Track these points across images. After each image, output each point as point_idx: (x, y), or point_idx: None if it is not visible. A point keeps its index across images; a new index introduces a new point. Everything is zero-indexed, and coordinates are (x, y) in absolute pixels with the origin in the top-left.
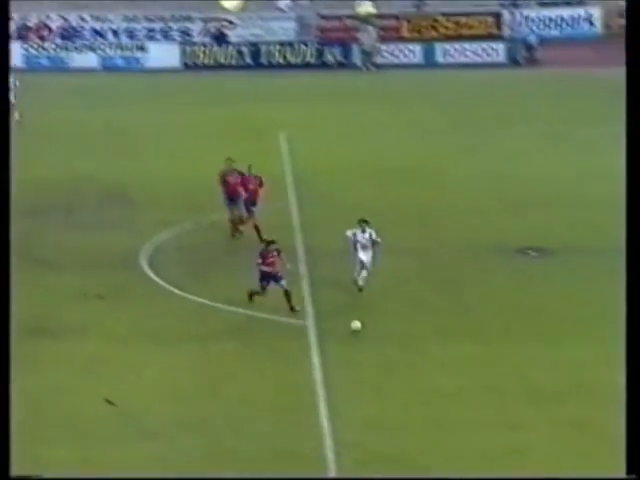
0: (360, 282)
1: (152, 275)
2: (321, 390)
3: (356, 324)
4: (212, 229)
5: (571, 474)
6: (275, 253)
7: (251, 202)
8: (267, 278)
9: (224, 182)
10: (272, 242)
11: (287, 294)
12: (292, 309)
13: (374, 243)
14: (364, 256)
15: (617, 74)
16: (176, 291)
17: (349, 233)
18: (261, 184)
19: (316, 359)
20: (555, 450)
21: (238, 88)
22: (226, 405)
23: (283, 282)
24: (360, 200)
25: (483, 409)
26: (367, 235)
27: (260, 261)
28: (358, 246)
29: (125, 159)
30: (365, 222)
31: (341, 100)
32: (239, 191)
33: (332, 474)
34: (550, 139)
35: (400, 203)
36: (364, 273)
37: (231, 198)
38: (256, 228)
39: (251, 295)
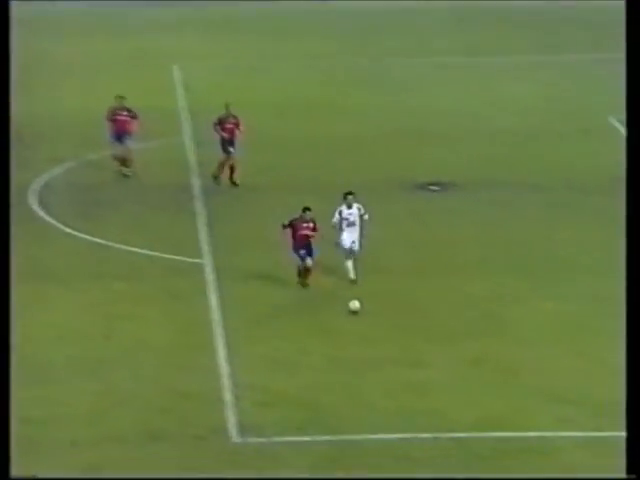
0: (351, 275)
1: (42, 213)
2: (219, 330)
3: (355, 304)
4: (103, 166)
5: (473, 409)
6: (311, 224)
7: (229, 142)
8: (298, 248)
9: (112, 119)
10: (308, 209)
11: (307, 270)
12: (303, 285)
13: (361, 219)
14: (350, 237)
15: (517, 5)
16: (68, 230)
17: (335, 218)
18: (238, 125)
19: (213, 298)
20: (455, 386)
21: (129, 19)
22: (122, 346)
23: (309, 260)
24: (259, 135)
25: (384, 347)
26: (354, 210)
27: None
28: (344, 224)
29: (12, 93)
30: (351, 194)
31: (236, 32)
32: (127, 129)
33: (231, 416)
34: (451, 70)
35: (299, 137)
36: (350, 263)
37: (118, 136)
38: (231, 169)
39: (300, 275)
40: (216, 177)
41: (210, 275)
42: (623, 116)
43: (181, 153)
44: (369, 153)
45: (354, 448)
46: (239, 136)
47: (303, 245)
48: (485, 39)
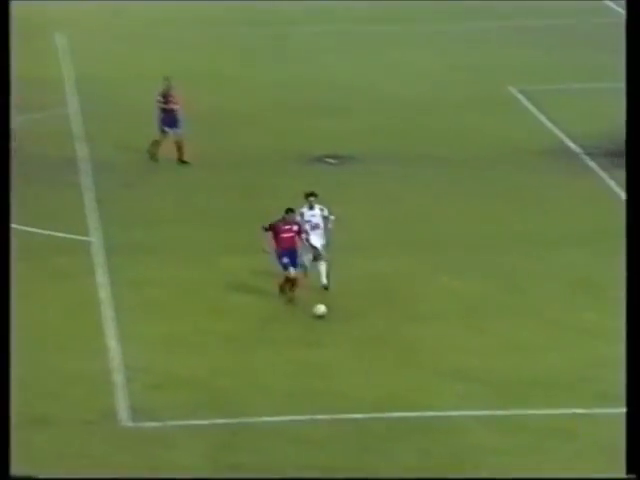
0: (324, 280)
1: None
2: (109, 310)
3: (320, 309)
4: None
5: (372, 389)
6: (295, 226)
7: (172, 120)
8: (281, 255)
9: None
10: (291, 210)
11: (289, 281)
12: (289, 299)
13: (325, 220)
14: (317, 241)
15: None
16: None
17: (298, 217)
18: (179, 99)
19: (103, 277)
20: (354, 365)
21: None
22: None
23: (292, 270)
24: (150, 107)
25: (281, 327)
26: (317, 211)
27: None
28: (307, 227)
29: None
30: (313, 196)
31: None
32: None
33: (122, 399)
34: (351, 39)
35: (192, 110)
36: (323, 267)
37: None
38: (178, 148)
39: (281, 288)
40: (152, 155)
41: (100, 253)
42: (523, 86)
43: (66, 125)
44: (263, 126)
45: (251, 431)
46: (181, 111)
47: (286, 251)
48: (387, 7)
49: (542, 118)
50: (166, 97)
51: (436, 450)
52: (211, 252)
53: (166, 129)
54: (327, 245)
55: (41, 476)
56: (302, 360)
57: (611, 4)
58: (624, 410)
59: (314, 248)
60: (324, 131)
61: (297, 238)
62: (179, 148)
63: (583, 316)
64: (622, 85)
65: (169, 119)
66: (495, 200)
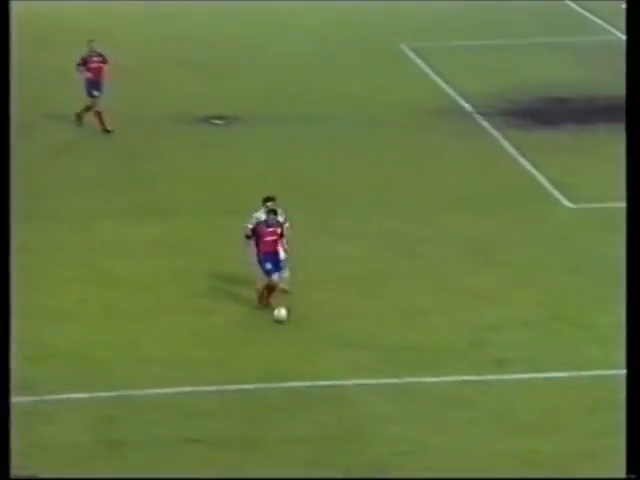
0: (285, 285)
1: None
2: None
3: (281, 313)
4: None
5: (260, 358)
6: (278, 228)
7: (94, 84)
8: (263, 260)
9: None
10: (273, 212)
11: (270, 289)
12: (265, 304)
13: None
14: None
15: None
16: None
17: (250, 224)
18: (104, 62)
19: None
20: (241, 334)
21: None
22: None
23: (276, 276)
24: (37, 64)
25: (165, 295)
26: (275, 218)
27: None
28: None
29: None
30: (270, 200)
31: None
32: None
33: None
34: None
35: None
36: (285, 273)
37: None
38: (98, 116)
39: (261, 296)
40: (79, 117)
41: None
42: (416, 44)
43: None
44: (146, 85)
45: (133, 404)
46: (106, 76)
47: (269, 256)
48: None
49: (435, 77)
50: (86, 61)
51: (328, 420)
52: (91, 218)
53: (95, 93)
54: (287, 253)
55: (42, 476)
56: (187, 329)
57: None
58: (516, 376)
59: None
60: (210, 91)
61: (279, 242)
62: (99, 116)
63: (475, 280)
64: (516, 42)
65: (91, 83)
66: (387, 162)
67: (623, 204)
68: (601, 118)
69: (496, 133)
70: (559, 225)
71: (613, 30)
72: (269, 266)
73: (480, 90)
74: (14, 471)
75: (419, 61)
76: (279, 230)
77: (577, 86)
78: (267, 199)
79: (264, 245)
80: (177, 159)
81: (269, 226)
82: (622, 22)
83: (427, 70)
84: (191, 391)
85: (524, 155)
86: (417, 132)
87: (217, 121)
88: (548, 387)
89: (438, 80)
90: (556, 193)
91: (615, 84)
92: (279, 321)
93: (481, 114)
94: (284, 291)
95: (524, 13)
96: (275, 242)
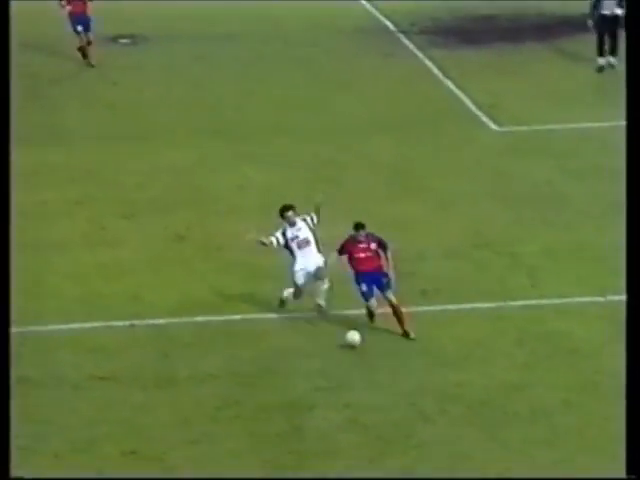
0: (321, 301)
1: None
2: None
3: (354, 337)
4: None
5: (173, 292)
6: (373, 244)
7: (78, 19)
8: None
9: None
10: (361, 226)
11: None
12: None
13: (313, 229)
14: (308, 261)
15: None
16: None
17: (273, 238)
18: None
19: None
20: (153, 266)
21: None
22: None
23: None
24: None
25: (72, 226)
26: (300, 224)
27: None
28: (293, 246)
29: None
30: (289, 210)
31: None
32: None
33: None
34: None
35: None
36: (323, 286)
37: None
38: (82, 50)
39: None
40: (85, 57)
41: None
42: None
43: None
44: (49, 6)
45: (39, 341)
46: (90, 10)
47: (365, 276)
48: None
49: None
50: None
51: (241, 354)
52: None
53: (79, 28)
54: (325, 260)
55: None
56: (93, 262)
57: None
58: (441, 307)
59: (305, 277)
60: (116, 9)
61: (378, 258)
62: (83, 50)
63: (398, 209)
64: None
65: (74, 19)
66: (303, 84)
67: (550, 126)
68: (527, 36)
69: (418, 53)
70: (485, 149)
71: None
72: (364, 288)
73: (402, 8)
74: None
75: None
76: (374, 245)
77: (504, 3)
78: (285, 209)
79: (358, 263)
80: (80, 78)
81: (358, 242)
82: None
83: None
84: (99, 327)
85: (448, 76)
86: (335, 52)
87: (124, 40)
88: (474, 318)
89: (361, 1)
90: (481, 116)
91: (543, 2)
92: (352, 346)
93: (403, 32)
94: (319, 307)
95: None
96: (370, 259)
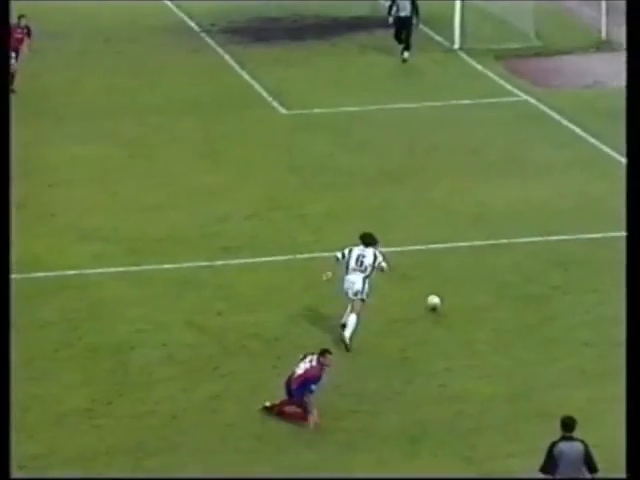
0: (344, 318)
1: None
2: None
3: (433, 300)
4: None
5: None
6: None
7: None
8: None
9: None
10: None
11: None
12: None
13: (374, 268)
14: (352, 280)
15: None
16: None
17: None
18: (28, 35)
19: None
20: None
21: None
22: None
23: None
24: None
25: None
26: (369, 254)
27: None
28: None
29: None
30: (371, 240)
31: None
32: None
33: None
34: None
35: None
36: (351, 319)
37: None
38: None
39: None
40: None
41: None
42: None
43: None
44: None
45: None
46: (25, 48)
47: None
48: None
49: None
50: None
51: (74, 305)
52: None
53: (12, 61)
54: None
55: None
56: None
57: None
58: (240, 261)
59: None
60: None
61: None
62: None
63: (205, 179)
64: None
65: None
66: (122, 74)
67: (329, 110)
68: (308, 35)
69: (219, 49)
70: (276, 129)
71: None
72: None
73: (203, 11)
74: None
75: None
76: None
77: (289, 6)
78: (366, 237)
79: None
80: None
81: None
82: None
83: None
84: None
85: (244, 68)
86: (148, 48)
87: None
88: (269, 269)
89: (167, 2)
90: (272, 101)
91: (322, 5)
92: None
93: (206, 32)
94: (343, 340)
95: None
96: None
